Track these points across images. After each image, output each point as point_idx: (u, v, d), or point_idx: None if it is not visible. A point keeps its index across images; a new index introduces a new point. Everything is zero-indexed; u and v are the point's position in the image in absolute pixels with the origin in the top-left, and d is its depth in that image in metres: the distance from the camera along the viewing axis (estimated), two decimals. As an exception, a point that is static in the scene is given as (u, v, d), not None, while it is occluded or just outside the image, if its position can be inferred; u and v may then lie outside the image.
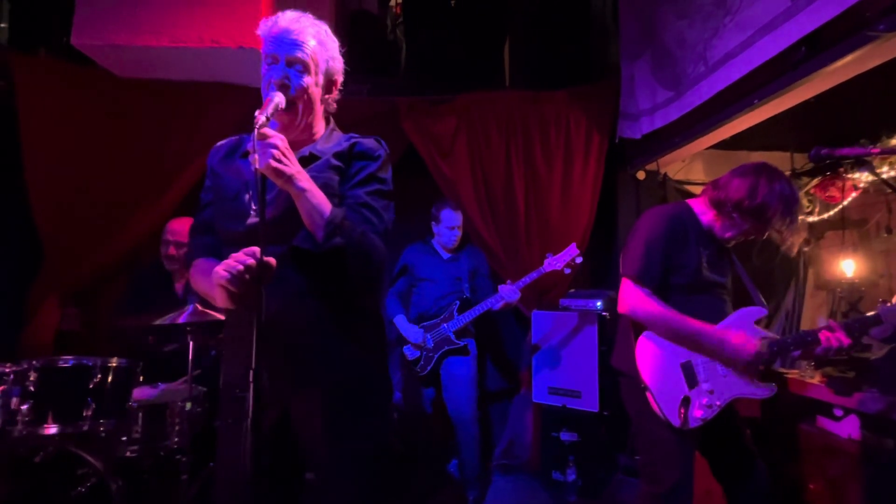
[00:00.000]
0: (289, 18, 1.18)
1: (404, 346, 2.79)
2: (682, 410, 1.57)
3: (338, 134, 1.30)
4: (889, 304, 1.51)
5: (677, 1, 2.55)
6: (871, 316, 1.53)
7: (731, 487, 1.72)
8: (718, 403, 1.60)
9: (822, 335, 1.52)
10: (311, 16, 1.21)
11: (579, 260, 2.56)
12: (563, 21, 3.58)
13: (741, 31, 2.06)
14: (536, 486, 2.78)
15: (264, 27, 1.19)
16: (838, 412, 1.98)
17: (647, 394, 1.63)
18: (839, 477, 1.96)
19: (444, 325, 2.67)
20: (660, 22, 2.72)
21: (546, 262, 2.59)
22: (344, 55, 1.29)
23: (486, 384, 3.30)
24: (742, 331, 1.60)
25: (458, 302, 2.70)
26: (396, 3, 3.88)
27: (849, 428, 1.94)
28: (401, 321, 2.78)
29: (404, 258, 2.90)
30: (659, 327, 1.65)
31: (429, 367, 2.68)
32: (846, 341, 1.50)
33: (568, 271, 2.57)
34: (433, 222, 2.88)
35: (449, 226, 2.81)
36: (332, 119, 1.33)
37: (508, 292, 2.56)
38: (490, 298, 2.61)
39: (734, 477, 1.71)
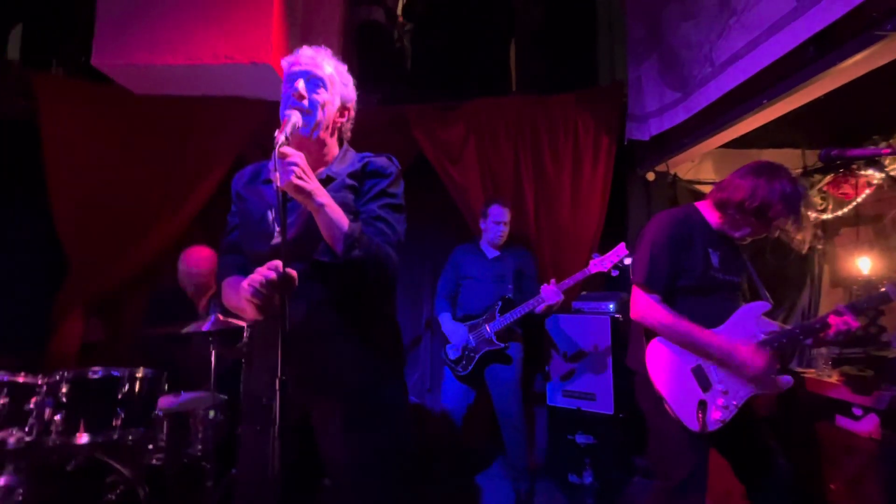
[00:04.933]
0: (307, 52, 1.31)
1: (447, 346, 2.71)
2: (700, 415, 1.57)
3: (352, 154, 1.38)
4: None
5: (683, 2, 2.56)
6: (879, 294, 1.53)
7: (753, 485, 1.71)
8: (735, 403, 1.60)
9: (831, 319, 1.53)
10: (326, 50, 1.34)
11: (628, 261, 2.38)
12: (570, 24, 3.60)
13: (747, 31, 2.07)
14: (553, 488, 2.79)
15: (286, 63, 1.31)
16: (857, 411, 1.97)
17: (664, 404, 1.63)
18: (859, 476, 1.94)
19: (486, 325, 2.60)
20: (666, 23, 2.73)
21: (592, 262, 2.46)
22: (355, 66, 1.37)
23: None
24: (750, 343, 1.59)
25: (500, 302, 2.60)
26: (401, 13, 3.93)
27: (868, 427, 1.92)
28: (445, 319, 2.72)
29: (453, 258, 2.86)
30: (667, 335, 1.66)
31: (470, 367, 2.60)
32: (854, 324, 1.51)
33: (616, 273, 2.45)
34: (481, 219, 2.81)
35: (496, 220, 2.73)
36: (345, 141, 1.41)
37: (550, 294, 2.45)
38: (531, 300, 2.50)
39: (755, 475, 1.70)
